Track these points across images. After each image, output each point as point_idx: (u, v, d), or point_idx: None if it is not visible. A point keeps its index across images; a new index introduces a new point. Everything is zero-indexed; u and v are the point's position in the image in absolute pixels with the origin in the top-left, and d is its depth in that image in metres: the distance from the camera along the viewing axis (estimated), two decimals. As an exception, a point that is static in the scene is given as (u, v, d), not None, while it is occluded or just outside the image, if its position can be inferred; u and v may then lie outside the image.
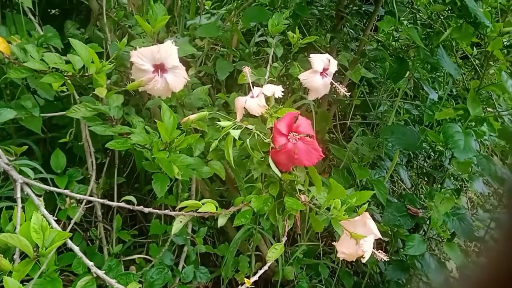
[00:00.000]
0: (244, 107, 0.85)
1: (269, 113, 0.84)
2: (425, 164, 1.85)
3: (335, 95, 1.61)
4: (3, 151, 0.89)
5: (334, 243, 0.84)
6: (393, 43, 1.56)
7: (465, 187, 1.83)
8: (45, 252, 0.65)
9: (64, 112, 0.93)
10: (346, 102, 1.77)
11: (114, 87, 0.95)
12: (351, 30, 1.62)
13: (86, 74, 0.86)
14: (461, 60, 1.71)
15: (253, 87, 0.90)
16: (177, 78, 0.87)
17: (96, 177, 1.21)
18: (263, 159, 0.83)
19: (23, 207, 0.79)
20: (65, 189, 1.04)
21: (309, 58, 0.94)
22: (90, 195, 1.14)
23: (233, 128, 0.80)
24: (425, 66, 1.70)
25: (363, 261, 0.79)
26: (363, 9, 1.58)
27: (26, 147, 0.96)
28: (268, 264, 0.84)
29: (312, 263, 1.57)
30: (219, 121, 0.82)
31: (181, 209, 0.82)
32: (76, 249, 0.77)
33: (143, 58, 0.84)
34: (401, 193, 1.88)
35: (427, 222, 1.47)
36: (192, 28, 1.40)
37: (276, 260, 1.42)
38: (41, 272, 0.76)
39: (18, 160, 0.95)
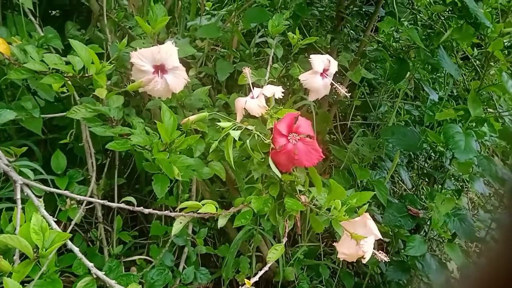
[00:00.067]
0: (244, 108, 0.85)
1: (269, 113, 0.84)
2: (426, 165, 1.85)
3: (335, 96, 1.61)
4: (3, 152, 0.89)
5: (334, 243, 0.84)
6: (394, 43, 1.56)
7: (465, 187, 1.83)
8: (45, 253, 0.65)
9: (64, 113, 0.94)
10: (347, 103, 1.77)
11: (115, 88, 0.95)
12: (351, 31, 1.62)
13: (86, 75, 0.86)
14: (461, 61, 1.70)
15: (253, 88, 0.90)
16: (177, 79, 0.87)
17: (96, 178, 1.21)
18: (263, 159, 0.83)
19: (23, 208, 0.79)
20: (65, 190, 1.04)
21: (309, 59, 0.94)
22: (91, 196, 1.14)
23: (233, 129, 0.80)
24: (426, 67, 1.70)
25: (364, 261, 0.79)
26: (364, 10, 1.58)
27: (26, 148, 0.96)
28: (268, 265, 0.83)
29: (312, 263, 1.57)
30: (219, 122, 0.82)
31: (181, 210, 0.81)
32: (76, 250, 0.77)
33: (143, 59, 0.84)
34: (401, 193, 1.87)
35: (428, 223, 1.46)
36: (192, 29, 1.40)
37: (277, 261, 1.41)
38: (41, 273, 0.75)
39: (19, 161, 0.95)
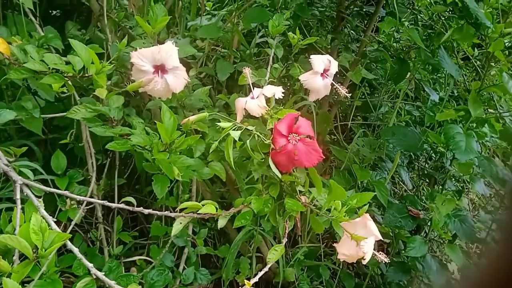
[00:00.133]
0: (245, 108, 0.85)
1: (269, 114, 0.84)
2: (426, 166, 1.84)
3: (336, 96, 1.61)
4: (3, 152, 0.89)
5: (335, 244, 0.84)
6: (394, 44, 1.56)
7: (466, 188, 1.83)
8: (44, 254, 0.65)
9: (64, 113, 0.93)
10: (347, 103, 1.76)
11: (115, 88, 0.95)
12: (352, 31, 1.62)
13: (86, 75, 0.86)
14: (462, 61, 1.70)
15: (253, 88, 0.89)
16: (178, 79, 0.87)
17: (96, 178, 1.21)
18: (263, 160, 0.83)
19: (22, 208, 0.78)
20: (65, 190, 1.03)
21: (309, 59, 0.94)
22: (91, 197, 1.13)
23: (233, 129, 0.80)
24: (426, 67, 1.70)
25: (364, 262, 0.78)
26: (364, 10, 1.57)
27: (26, 148, 0.96)
28: (268, 266, 0.83)
29: (313, 264, 1.57)
30: (220, 122, 0.82)
31: (181, 210, 0.81)
32: (75, 250, 0.77)
33: (143, 59, 0.84)
34: (402, 194, 1.87)
35: (429, 224, 1.46)
36: (193, 29, 1.40)
37: (277, 262, 1.41)
38: (41, 274, 0.75)
39: (19, 161, 0.95)
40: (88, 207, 1.16)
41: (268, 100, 0.87)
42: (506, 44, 1.37)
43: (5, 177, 0.93)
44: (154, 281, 1.15)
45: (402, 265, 1.49)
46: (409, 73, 1.55)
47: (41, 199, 0.81)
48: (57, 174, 1.12)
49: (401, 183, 1.90)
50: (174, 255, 1.31)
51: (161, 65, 0.85)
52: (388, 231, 1.55)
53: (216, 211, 0.81)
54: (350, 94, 0.95)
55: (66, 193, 0.89)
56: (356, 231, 0.79)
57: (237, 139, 0.79)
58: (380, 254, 0.80)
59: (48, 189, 0.86)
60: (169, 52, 0.85)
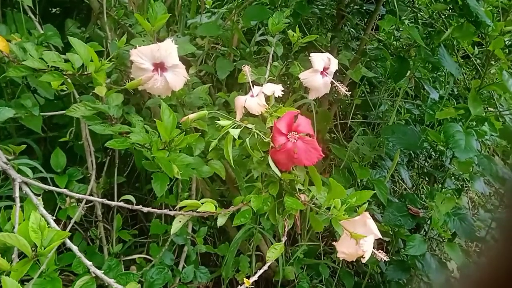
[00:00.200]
0: (244, 106, 0.85)
1: (269, 112, 0.84)
2: (426, 164, 1.84)
3: (335, 95, 1.61)
4: (2, 150, 0.89)
5: (334, 243, 0.84)
6: (394, 42, 1.55)
7: (466, 187, 1.82)
8: (43, 252, 0.65)
9: (64, 111, 0.93)
10: (347, 101, 1.76)
11: (114, 86, 0.95)
12: (352, 29, 1.62)
13: (85, 72, 0.86)
14: (462, 60, 1.70)
15: (253, 86, 0.89)
16: (177, 77, 0.86)
17: (96, 176, 1.21)
18: (263, 158, 0.82)
19: (22, 207, 0.78)
20: (65, 188, 1.03)
21: (309, 57, 0.94)
22: (90, 195, 1.13)
23: (233, 127, 0.80)
24: (426, 66, 1.70)
25: (363, 261, 0.78)
26: (364, 8, 1.57)
27: (25, 146, 0.96)
28: (268, 264, 0.83)
29: (312, 263, 1.57)
30: (219, 120, 0.82)
31: (180, 208, 0.81)
32: (74, 248, 0.76)
33: (142, 57, 0.84)
34: (402, 193, 1.87)
35: (428, 222, 1.46)
36: (192, 27, 1.39)
37: (277, 260, 1.41)
38: (41, 272, 0.75)
39: (18, 159, 0.95)
40: (87, 205, 1.16)
41: (267, 98, 0.86)
42: (506, 42, 1.37)
43: (5, 175, 0.93)
44: (154, 279, 1.15)
45: (402, 264, 1.49)
46: (409, 72, 1.54)
47: (40, 197, 0.81)
48: (57, 172, 1.12)
49: (401, 182, 1.90)
50: (173, 254, 1.31)
51: (160, 63, 0.85)
52: (387, 229, 1.55)
53: (216, 210, 0.81)
54: (350, 93, 0.95)
55: (65, 191, 0.89)
56: (356, 230, 0.79)
57: (236, 137, 0.79)
58: (380, 252, 0.80)
59: (47, 187, 0.86)
60: (169, 50, 0.85)
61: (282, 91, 0.87)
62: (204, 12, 1.49)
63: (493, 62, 1.42)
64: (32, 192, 0.83)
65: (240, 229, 1.32)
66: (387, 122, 1.66)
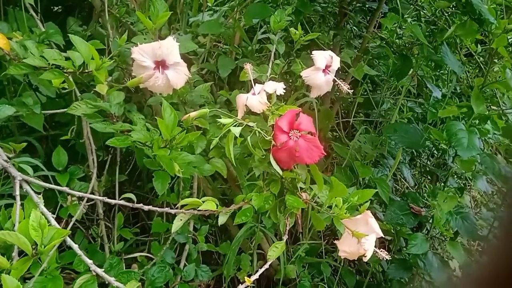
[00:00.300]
0: (246, 105, 0.84)
1: (270, 110, 0.84)
2: (428, 163, 1.84)
3: (337, 93, 1.60)
4: (4, 148, 0.89)
5: (336, 241, 0.84)
6: (397, 40, 1.55)
7: (468, 185, 1.82)
8: (43, 250, 0.65)
9: (65, 109, 0.93)
10: (349, 99, 1.76)
11: (116, 84, 0.95)
12: (354, 27, 1.61)
13: (86, 70, 0.86)
14: (465, 58, 1.69)
15: (255, 84, 0.89)
16: (178, 75, 0.86)
17: (97, 174, 1.21)
18: (264, 156, 0.82)
19: (22, 205, 0.78)
20: (66, 186, 1.03)
21: (311, 55, 0.93)
22: (92, 193, 1.13)
23: (234, 126, 0.80)
24: (429, 64, 1.69)
25: (365, 259, 0.78)
26: (367, 6, 1.57)
27: (25, 144, 0.96)
28: (269, 263, 0.83)
29: (314, 261, 1.57)
30: (221, 118, 0.82)
31: (182, 207, 0.81)
32: (75, 247, 0.76)
33: (144, 55, 0.84)
34: (404, 191, 1.87)
35: (430, 221, 1.46)
36: (194, 25, 1.39)
37: (278, 259, 1.41)
38: (42, 270, 0.75)
39: (20, 157, 0.95)
40: (89, 204, 1.15)
41: (269, 96, 0.86)
42: (510, 40, 1.36)
43: (6, 173, 0.93)
44: (155, 277, 1.15)
45: (404, 263, 1.49)
46: (411, 70, 1.54)
47: (40, 196, 0.81)
48: (58, 170, 1.12)
49: (403, 180, 1.90)
50: (175, 252, 1.31)
51: (162, 61, 0.84)
52: (389, 228, 1.55)
53: (217, 208, 0.81)
54: (352, 91, 0.95)
55: (66, 189, 0.89)
56: (358, 228, 0.79)
57: (238, 135, 0.78)
58: (381, 251, 0.80)
59: (47, 185, 0.86)
60: (170, 47, 0.84)
61: (284, 89, 0.87)
62: (206, 10, 1.49)
63: (496, 60, 1.41)
64: (33, 190, 0.83)
65: (242, 228, 1.32)
66: (389, 121, 1.66)
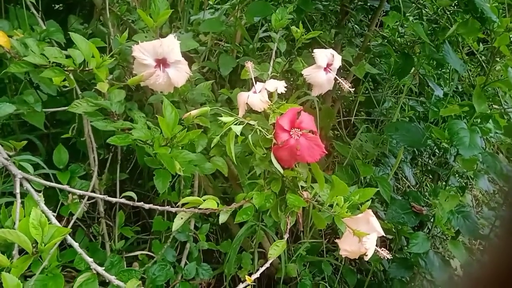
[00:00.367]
0: (247, 103, 0.84)
1: (271, 108, 0.84)
2: (430, 161, 1.84)
3: (339, 91, 1.60)
4: (4, 146, 0.89)
5: (337, 240, 0.83)
6: (398, 38, 1.54)
7: (470, 184, 1.82)
8: (44, 248, 0.65)
9: (66, 107, 0.93)
10: (351, 98, 1.76)
11: (116, 82, 0.95)
12: (355, 26, 1.61)
13: (87, 68, 0.85)
14: (467, 56, 1.69)
15: (256, 83, 0.89)
16: (179, 73, 0.86)
17: (98, 172, 1.21)
18: (265, 155, 0.82)
19: (22, 203, 0.78)
20: (67, 184, 1.03)
21: (313, 54, 0.93)
22: (93, 191, 1.13)
23: (235, 124, 0.79)
24: (431, 62, 1.69)
25: (366, 258, 0.78)
26: (368, 4, 1.56)
27: (26, 142, 0.96)
28: (270, 261, 0.83)
29: (315, 260, 1.57)
30: (222, 116, 0.82)
31: (182, 205, 0.81)
32: (75, 245, 0.76)
33: (145, 53, 0.83)
34: (405, 190, 1.87)
35: (432, 220, 1.46)
36: (195, 23, 1.39)
37: (279, 257, 1.41)
38: (43, 268, 0.75)
39: (21, 155, 0.95)
40: (90, 202, 1.16)
41: (270, 94, 0.86)
42: (512, 38, 1.36)
43: (7, 171, 0.92)
44: (156, 276, 1.15)
45: (405, 261, 1.49)
46: (413, 68, 1.53)
47: (41, 194, 0.81)
48: (59, 169, 1.12)
49: (404, 179, 1.89)
50: (176, 250, 1.31)
51: (162, 59, 0.84)
52: (390, 227, 1.55)
53: (218, 206, 0.80)
54: (353, 89, 0.95)
55: (67, 187, 0.89)
56: (359, 227, 0.78)
57: (239, 134, 0.78)
58: (383, 250, 0.80)
59: (48, 183, 0.86)
60: (171, 45, 0.84)
61: (285, 87, 0.87)
62: (207, 8, 1.49)
63: (498, 59, 1.41)
64: (33, 188, 0.83)
65: (243, 226, 1.32)
66: (390, 119, 1.66)
